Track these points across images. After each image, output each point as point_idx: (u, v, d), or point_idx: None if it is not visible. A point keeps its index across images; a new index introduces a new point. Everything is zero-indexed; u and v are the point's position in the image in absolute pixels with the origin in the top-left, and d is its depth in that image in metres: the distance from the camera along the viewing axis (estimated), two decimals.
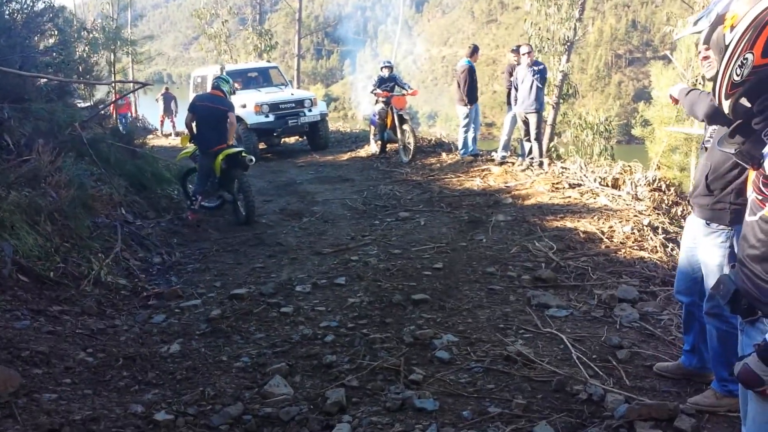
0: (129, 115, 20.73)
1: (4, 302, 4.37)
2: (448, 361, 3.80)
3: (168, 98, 20.54)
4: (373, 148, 12.81)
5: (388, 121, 11.68)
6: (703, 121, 3.15)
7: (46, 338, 4.02)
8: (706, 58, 3.24)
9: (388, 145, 12.34)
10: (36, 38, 10.50)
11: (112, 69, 21.75)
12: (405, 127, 11.25)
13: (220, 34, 25.29)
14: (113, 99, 15.17)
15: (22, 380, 3.38)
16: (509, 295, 4.87)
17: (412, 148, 11.08)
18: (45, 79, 9.17)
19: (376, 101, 12.06)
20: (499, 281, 5.16)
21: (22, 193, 5.68)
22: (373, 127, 12.68)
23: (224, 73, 13.56)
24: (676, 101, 3.63)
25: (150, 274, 5.86)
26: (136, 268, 5.80)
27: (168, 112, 20.53)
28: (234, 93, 8.34)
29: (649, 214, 6.83)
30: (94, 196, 6.54)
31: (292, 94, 14.20)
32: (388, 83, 11.89)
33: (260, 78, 15.28)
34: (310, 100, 13.93)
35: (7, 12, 9.54)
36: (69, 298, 4.77)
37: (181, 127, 20.85)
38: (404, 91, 11.85)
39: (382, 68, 12.23)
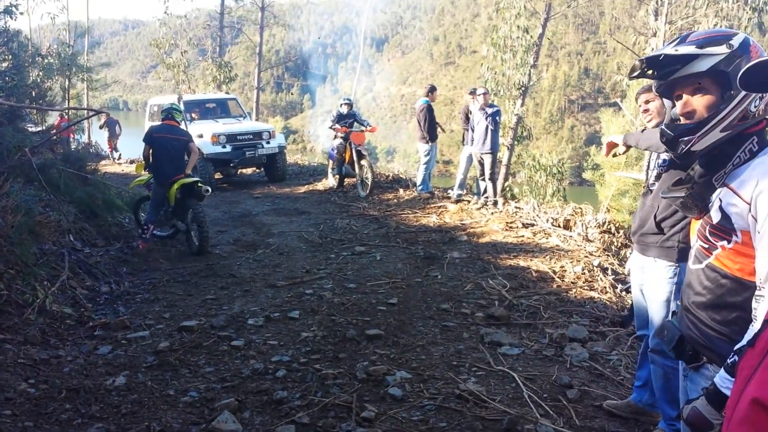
0: (70, 138, 20.43)
1: None
2: (400, 398, 3.77)
3: (112, 123, 20.49)
4: (330, 181, 12.84)
5: (347, 156, 11.76)
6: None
7: None
8: (646, 111, 3.46)
9: (346, 180, 12.39)
10: None
11: (67, 95, 21.34)
12: (363, 162, 11.34)
13: (178, 64, 25.14)
14: (63, 125, 14.85)
15: None
16: (463, 332, 4.89)
17: (369, 183, 11.16)
18: None
19: (335, 136, 12.14)
20: (453, 318, 5.19)
21: None
22: (331, 162, 12.74)
23: (181, 103, 13.51)
24: (611, 148, 3.76)
25: (97, 303, 5.68)
26: (83, 297, 5.62)
27: (113, 136, 20.40)
28: (183, 122, 8.29)
29: (599, 255, 7.00)
30: (42, 223, 6.34)
31: (250, 126, 14.18)
32: (347, 119, 12.02)
33: (218, 109, 15.23)
34: (269, 132, 13.92)
35: None
36: (12, 327, 4.58)
37: (126, 151, 20.63)
38: (363, 128, 11.97)
39: (341, 104, 12.34)
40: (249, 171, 15.58)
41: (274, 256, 7.46)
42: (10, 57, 11.43)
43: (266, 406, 3.67)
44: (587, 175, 13.51)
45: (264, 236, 8.54)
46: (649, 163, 3.47)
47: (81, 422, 3.42)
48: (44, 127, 13.24)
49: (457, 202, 10.15)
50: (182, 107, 12.78)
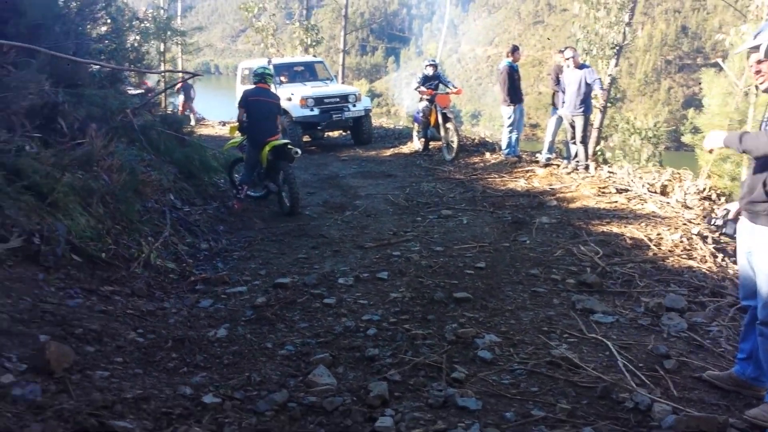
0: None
1: (58, 280, 4.50)
2: (490, 361, 3.78)
3: (187, 87, 21.06)
4: (416, 144, 12.79)
5: (432, 119, 11.67)
6: None
7: (98, 317, 4.12)
8: (758, 72, 3.17)
9: (432, 143, 12.32)
10: (89, 26, 10.74)
11: (162, 58, 22.12)
12: (449, 125, 11.21)
13: (267, 28, 25.49)
14: (164, 87, 15.41)
15: (76, 357, 3.47)
16: (553, 298, 4.82)
17: (455, 146, 11.04)
18: (98, 66, 9.36)
19: (421, 99, 12.04)
20: (543, 284, 5.11)
21: (76, 175, 5.84)
22: (416, 125, 12.68)
23: (271, 66, 13.73)
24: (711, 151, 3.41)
25: (197, 259, 5.97)
26: (184, 253, 5.92)
27: (188, 100, 20.99)
28: (273, 85, 8.53)
29: (699, 223, 6.68)
30: (145, 181, 6.68)
31: (336, 89, 14.27)
32: (433, 81, 11.87)
33: (306, 72, 15.37)
34: (355, 95, 13.97)
35: (61, 0, 9.80)
36: (119, 279, 4.89)
37: (217, 114, 21.11)
38: (448, 90, 11.82)
39: (426, 66, 12.18)
40: (335, 134, 15.75)
41: (361, 218, 7.57)
42: (110, 21, 11.90)
43: (359, 363, 3.77)
44: (686, 138, 12.79)
45: (351, 198, 8.66)
46: (761, 125, 3.25)
47: (186, 371, 3.63)
48: (143, 90, 13.79)
49: (545, 166, 9.91)
50: (272, 70, 12.98)
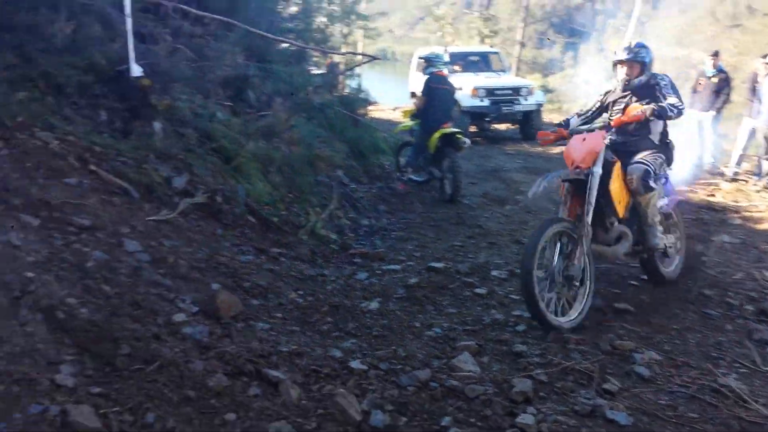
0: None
1: (233, 237, 4.91)
2: (647, 378, 3.54)
3: None
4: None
5: None
6: None
7: (265, 274, 4.44)
8: None
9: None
10: (281, 5, 11.46)
11: (345, 41, 23.03)
12: None
13: (445, 16, 25.68)
14: (342, 70, 16.06)
15: (242, 307, 3.77)
16: (726, 324, 4.40)
17: None
18: (287, 44, 9.94)
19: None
20: (716, 307, 4.69)
21: (259, 144, 6.30)
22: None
23: (447, 54, 13.79)
24: None
25: (358, 234, 6.23)
26: (346, 227, 6.20)
27: None
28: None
29: None
30: (319, 156, 7.06)
31: (509, 81, 14.01)
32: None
33: (480, 62, 15.28)
34: (527, 88, 13.65)
35: None
36: (287, 243, 5.23)
37: (386, 98, 21.42)
38: None
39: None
40: (503, 127, 15.48)
41: (521, 213, 7.41)
42: (301, 2, 12.61)
43: (505, 356, 3.71)
44: None
45: (513, 193, 8.49)
46: None
47: (338, 335, 3.80)
48: (325, 70, 14.46)
49: (732, 180, 9.05)
50: (448, 59, 13.01)
